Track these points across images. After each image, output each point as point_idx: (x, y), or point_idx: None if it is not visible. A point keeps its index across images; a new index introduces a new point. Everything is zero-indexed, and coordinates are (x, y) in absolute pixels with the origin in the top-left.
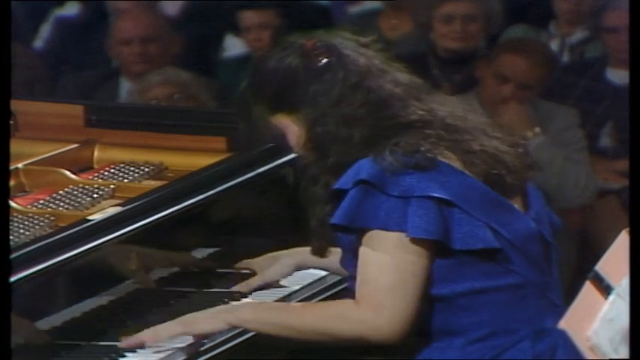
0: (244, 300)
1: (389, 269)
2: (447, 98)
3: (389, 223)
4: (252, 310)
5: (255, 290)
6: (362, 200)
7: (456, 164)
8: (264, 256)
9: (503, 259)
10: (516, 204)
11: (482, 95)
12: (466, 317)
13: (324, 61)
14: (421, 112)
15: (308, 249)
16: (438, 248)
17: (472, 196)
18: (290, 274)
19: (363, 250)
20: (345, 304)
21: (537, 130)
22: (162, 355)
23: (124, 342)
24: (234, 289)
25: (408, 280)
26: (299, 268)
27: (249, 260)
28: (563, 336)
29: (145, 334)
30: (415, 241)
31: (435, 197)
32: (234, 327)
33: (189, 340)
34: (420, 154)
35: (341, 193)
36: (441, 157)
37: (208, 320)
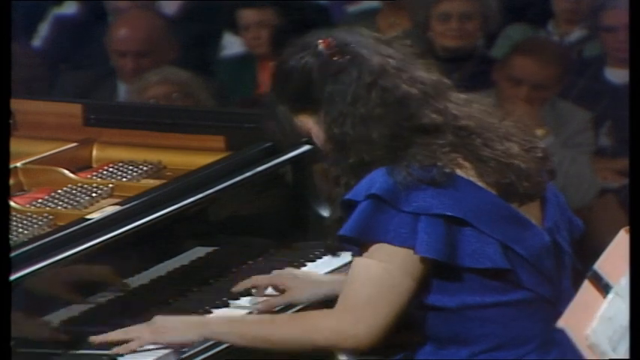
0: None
1: (375, 283)
2: (467, 97)
3: (396, 239)
4: (227, 324)
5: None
6: (372, 214)
7: (471, 174)
8: (295, 275)
9: (513, 276)
10: (532, 212)
11: (499, 98)
12: (474, 329)
13: (339, 60)
14: (436, 115)
15: (340, 277)
16: (442, 265)
17: (486, 212)
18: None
19: (357, 261)
20: (320, 315)
21: (545, 131)
22: (155, 357)
23: (95, 338)
24: (260, 306)
25: (392, 296)
26: (327, 298)
27: (281, 274)
28: (572, 345)
29: (115, 334)
30: (419, 258)
31: (447, 215)
32: (207, 339)
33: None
34: (437, 169)
35: (353, 204)
36: (457, 168)
37: (180, 331)
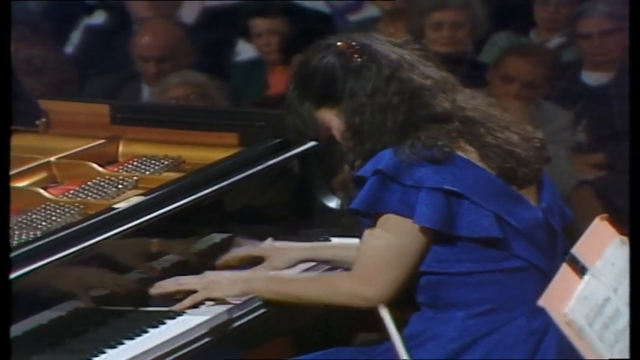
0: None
1: (384, 249)
2: (471, 92)
3: (400, 209)
4: (265, 282)
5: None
6: (378, 189)
7: (473, 156)
8: (273, 246)
9: (507, 246)
10: (528, 195)
11: (492, 96)
12: (469, 293)
13: (359, 58)
14: (447, 104)
15: (314, 245)
16: (442, 234)
17: (483, 187)
18: (294, 266)
19: (367, 231)
20: (340, 277)
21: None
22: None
23: (153, 290)
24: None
25: (398, 262)
26: (303, 262)
27: (260, 246)
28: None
29: (170, 285)
30: (419, 227)
31: (445, 189)
32: (247, 294)
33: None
34: (437, 148)
35: (362, 180)
36: (459, 150)
37: (227, 286)
